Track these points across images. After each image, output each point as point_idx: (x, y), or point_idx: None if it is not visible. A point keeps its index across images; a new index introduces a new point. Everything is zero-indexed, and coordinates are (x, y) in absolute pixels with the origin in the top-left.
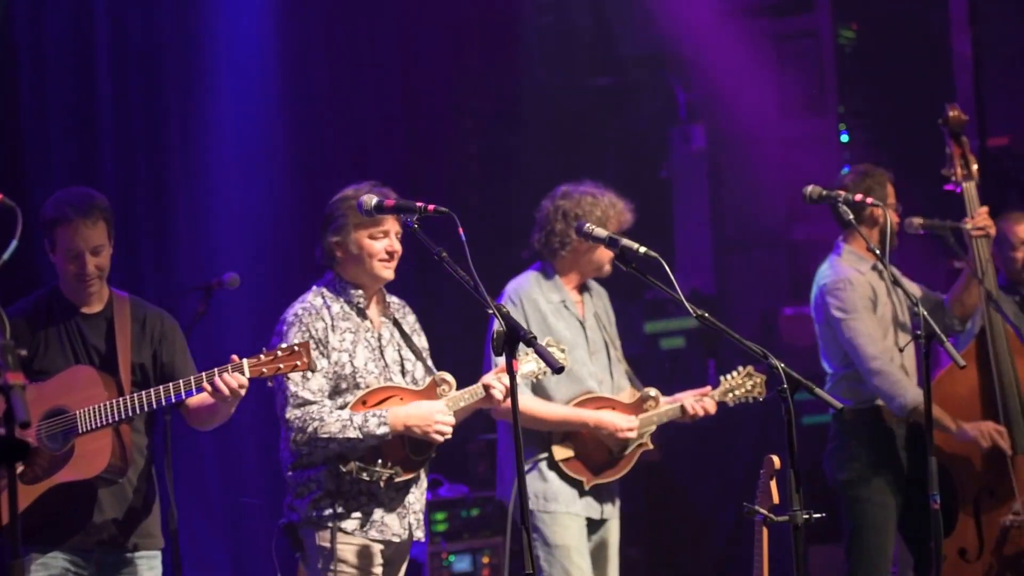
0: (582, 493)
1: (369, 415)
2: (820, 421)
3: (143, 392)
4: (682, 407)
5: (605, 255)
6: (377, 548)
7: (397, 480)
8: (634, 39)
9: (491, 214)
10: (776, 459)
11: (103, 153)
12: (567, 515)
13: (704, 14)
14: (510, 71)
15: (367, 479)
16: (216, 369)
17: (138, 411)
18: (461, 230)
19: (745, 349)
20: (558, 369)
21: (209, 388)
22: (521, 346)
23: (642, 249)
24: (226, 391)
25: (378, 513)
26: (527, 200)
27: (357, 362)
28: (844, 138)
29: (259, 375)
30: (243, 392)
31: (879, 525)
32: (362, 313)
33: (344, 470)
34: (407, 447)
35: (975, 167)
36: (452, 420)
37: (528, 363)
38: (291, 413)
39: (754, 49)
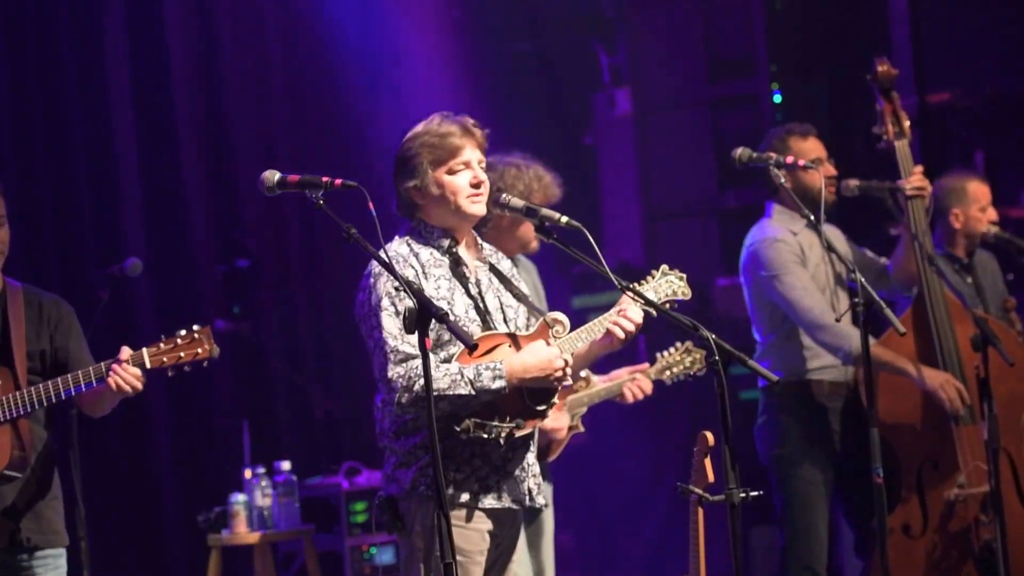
0: None
1: (482, 367)
2: (756, 396)
3: (40, 386)
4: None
5: (531, 231)
6: (487, 525)
7: (519, 434)
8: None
9: None
10: (710, 436)
11: (0, 136)
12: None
13: None
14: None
15: (485, 437)
16: (113, 362)
17: (35, 407)
18: (372, 205)
19: (675, 322)
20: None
21: (110, 382)
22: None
23: (564, 219)
24: (126, 387)
25: (493, 478)
26: None
27: (457, 310)
28: (777, 98)
29: (160, 365)
30: (141, 386)
31: (812, 502)
32: (455, 258)
33: (459, 429)
34: (526, 396)
35: (907, 124)
36: (570, 359)
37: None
38: (393, 371)
39: (680, 7)
